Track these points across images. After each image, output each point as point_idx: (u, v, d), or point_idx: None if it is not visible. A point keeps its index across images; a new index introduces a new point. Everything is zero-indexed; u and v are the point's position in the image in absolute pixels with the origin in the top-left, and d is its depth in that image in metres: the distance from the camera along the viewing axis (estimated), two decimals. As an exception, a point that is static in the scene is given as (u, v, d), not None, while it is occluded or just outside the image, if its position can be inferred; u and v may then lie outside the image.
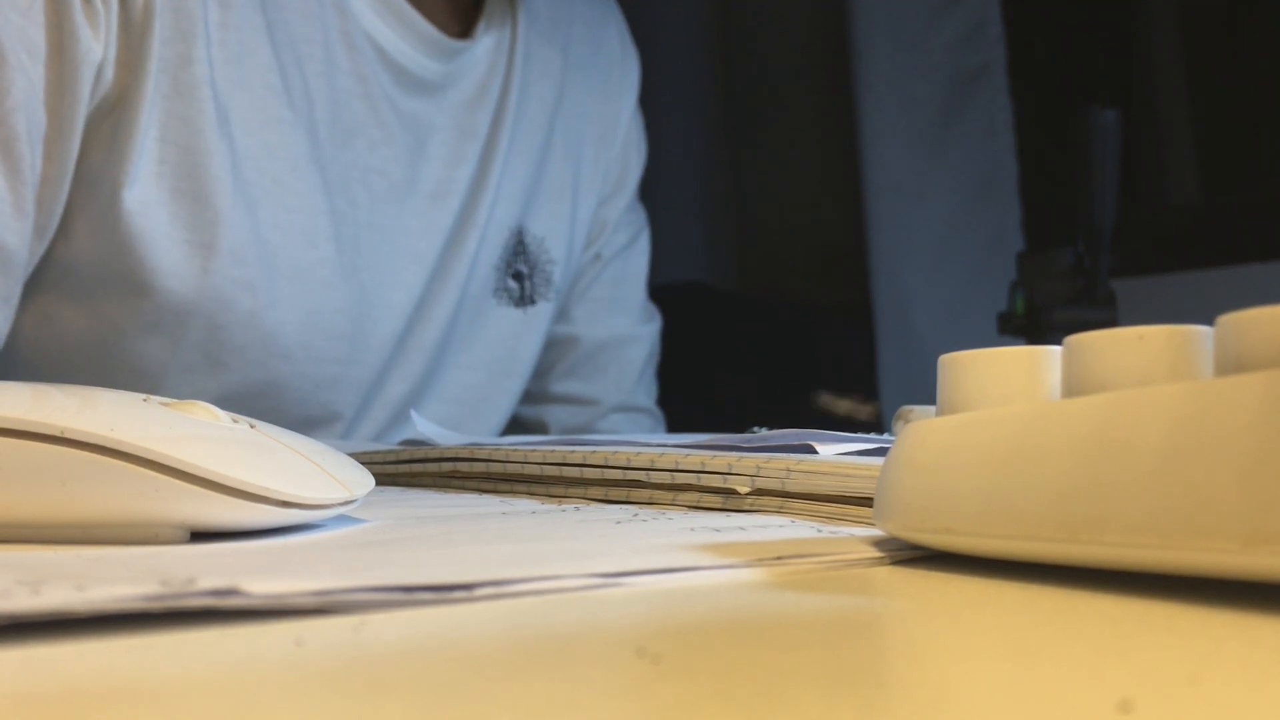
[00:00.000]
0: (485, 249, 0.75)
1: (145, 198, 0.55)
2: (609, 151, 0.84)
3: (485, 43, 0.73)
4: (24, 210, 0.52)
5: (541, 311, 0.80)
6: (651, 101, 0.90)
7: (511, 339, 0.79)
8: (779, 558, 0.22)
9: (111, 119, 0.55)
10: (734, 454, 0.32)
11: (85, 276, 0.57)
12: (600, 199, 0.85)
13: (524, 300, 0.79)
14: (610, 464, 0.34)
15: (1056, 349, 0.21)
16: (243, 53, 0.58)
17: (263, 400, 0.62)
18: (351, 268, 0.66)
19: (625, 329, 0.87)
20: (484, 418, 0.78)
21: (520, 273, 0.78)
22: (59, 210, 0.54)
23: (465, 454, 0.41)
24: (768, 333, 1.11)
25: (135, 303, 0.57)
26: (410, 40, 0.67)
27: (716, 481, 0.32)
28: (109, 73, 0.54)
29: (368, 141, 0.66)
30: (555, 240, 0.80)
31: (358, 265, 0.66)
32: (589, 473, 0.35)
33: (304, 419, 0.65)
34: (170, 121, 0.56)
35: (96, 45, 0.53)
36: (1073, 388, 0.20)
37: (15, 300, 0.54)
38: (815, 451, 0.32)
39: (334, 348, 0.65)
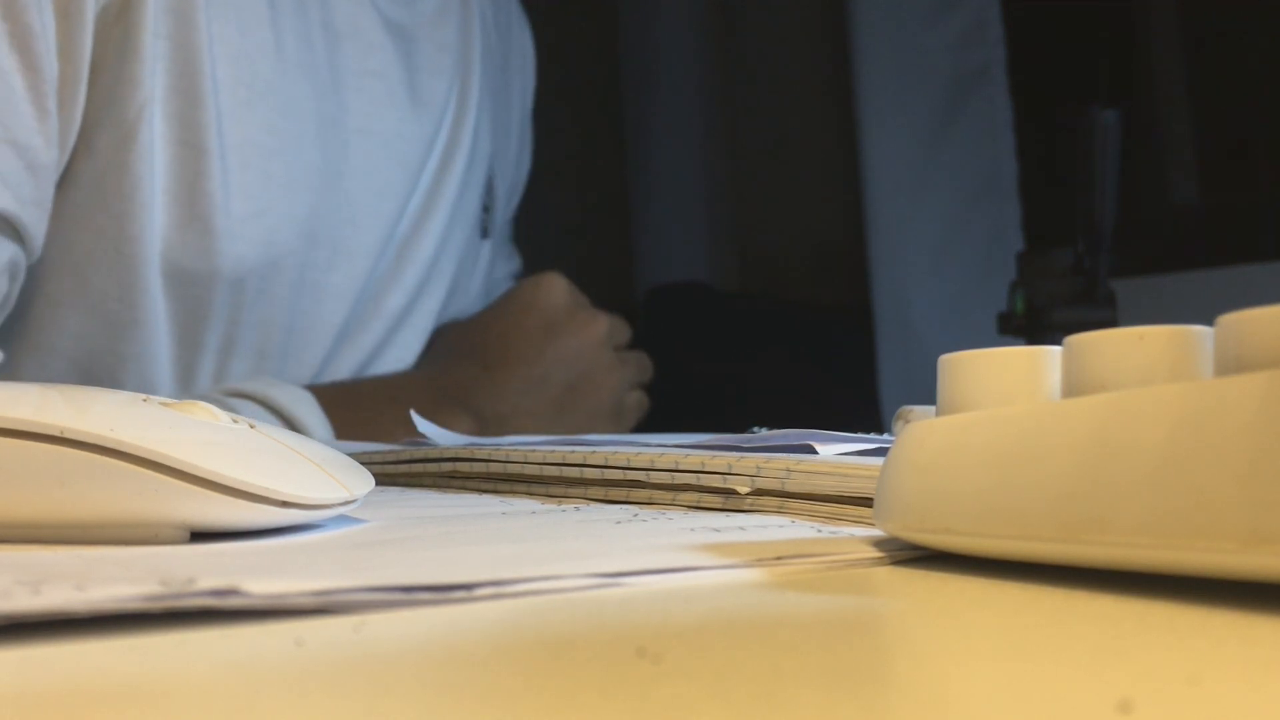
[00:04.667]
0: (473, 173, 0.76)
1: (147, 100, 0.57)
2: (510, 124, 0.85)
3: None
4: (46, 109, 0.53)
5: (486, 248, 0.81)
6: (651, 101, 0.90)
7: (484, 267, 0.81)
8: (779, 558, 0.22)
9: (120, 25, 0.55)
10: (734, 454, 0.32)
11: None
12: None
13: (485, 233, 0.81)
14: (610, 464, 0.34)
15: (1056, 349, 0.21)
16: None
17: (252, 314, 0.63)
18: (336, 174, 0.66)
19: None
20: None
21: (487, 206, 0.80)
22: (79, 115, 0.55)
23: (465, 454, 0.41)
24: (768, 333, 1.11)
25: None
26: None
27: (716, 481, 0.32)
28: None
29: (360, 46, 0.67)
30: (501, 180, 0.82)
31: (343, 171, 0.67)
32: (589, 473, 0.35)
33: (290, 329, 0.66)
34: (166, 18, 0.57)
35: None
36: (1073, 388, 0.20)
37: (49, 205, 0.55)
38: (815, 451, 0.32)
39: (315, 253, 0.66)
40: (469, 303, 0.81)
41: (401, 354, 0.75)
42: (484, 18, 0.80)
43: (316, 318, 0.68)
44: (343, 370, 0.71)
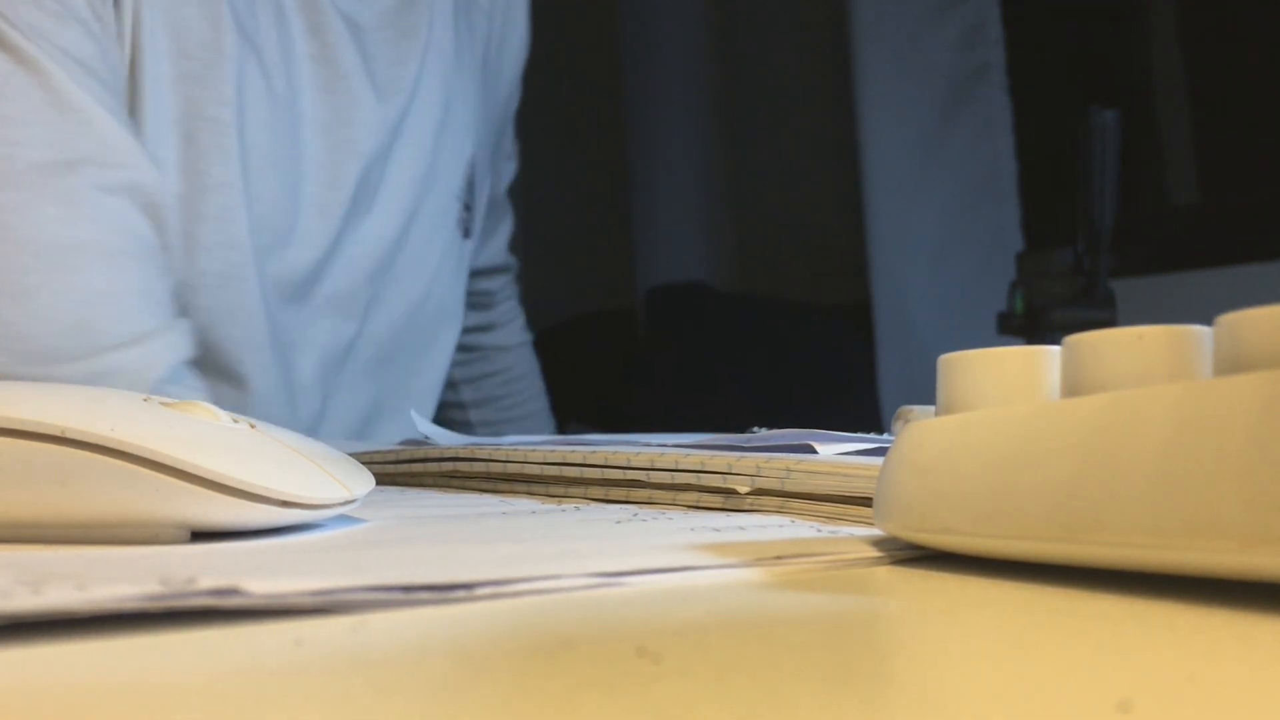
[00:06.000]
0: (446, 168, 0.75)
1: None
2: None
3: None
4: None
5: (466, 248, 0.80)
6: (652, 101, 0.90)
7: (466, 264, 0.79)
8: (779, 558, 0.22)
9: None
10: (734, 454, 0.32)
11: None
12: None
13: (467, 234, 0.80)
14: (610, 464, 0.34)
15: (1056, 349, 0.21)
16: None
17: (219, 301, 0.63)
18: (290, 159, 0.66)
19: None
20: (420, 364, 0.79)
21: (468, 204, 0.79)
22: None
23: (465, 454, 0.41)
24: (768, 333, 1.11)
25: None
26: None
27: (716, 481, 0.32)
28: None
29: (307, 28, 0.67)
30: (481, 173, 0.81)
31: (297, 156, 0.66)
32: (589, 473, 0.35)
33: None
34: None
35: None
36: (1072, 388, 0.20)
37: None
38: (815, 451, 0.32)
39: (261, 238, 0.65)
40: (452, 300, 0.81)
41: (373, 327, 0.75)
42: (462, 11, 0.79)
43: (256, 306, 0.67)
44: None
